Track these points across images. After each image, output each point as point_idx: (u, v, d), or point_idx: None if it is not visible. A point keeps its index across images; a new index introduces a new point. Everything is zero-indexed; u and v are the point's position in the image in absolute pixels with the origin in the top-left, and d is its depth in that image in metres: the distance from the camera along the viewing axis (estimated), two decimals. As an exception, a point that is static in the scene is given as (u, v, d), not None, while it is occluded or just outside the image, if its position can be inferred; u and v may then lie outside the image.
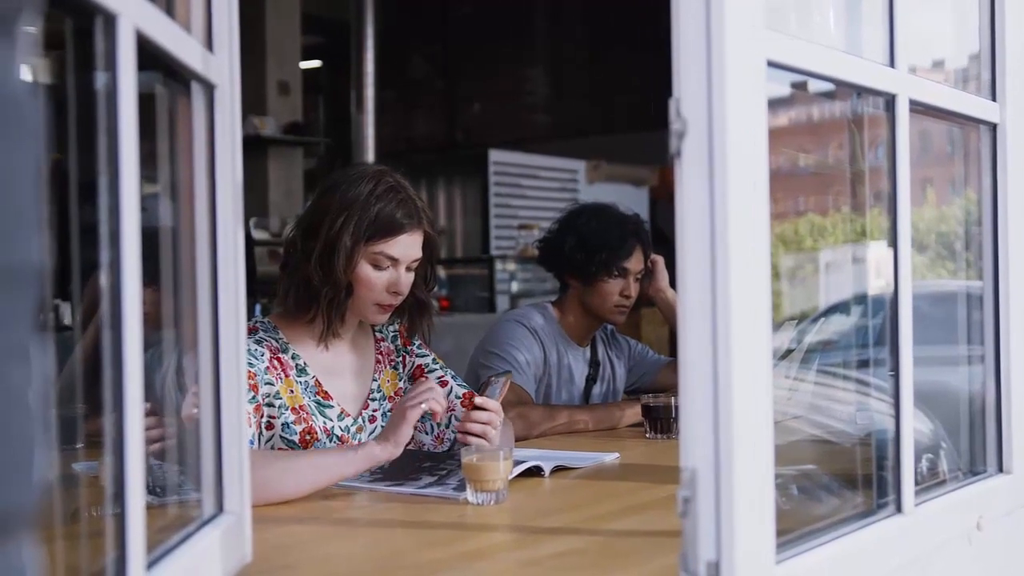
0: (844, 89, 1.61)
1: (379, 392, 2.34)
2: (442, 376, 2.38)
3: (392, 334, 2.41)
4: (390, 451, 1.96)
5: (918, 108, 1.57)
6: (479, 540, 1.67)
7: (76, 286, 1.10)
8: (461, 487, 1.90)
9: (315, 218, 2.19)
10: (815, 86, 1.56)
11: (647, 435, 2.65)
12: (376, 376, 2.34)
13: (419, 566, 1.51)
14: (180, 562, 1.16)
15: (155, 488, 1.37)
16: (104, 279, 1.01)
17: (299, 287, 2.20)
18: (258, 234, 6.86)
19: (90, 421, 1.23)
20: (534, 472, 2.09)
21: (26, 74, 0.58)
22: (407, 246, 2.20)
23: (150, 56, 1.10)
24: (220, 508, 1.36)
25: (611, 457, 2.33)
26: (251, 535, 1.43)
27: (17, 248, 0.56)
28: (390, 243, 2.18)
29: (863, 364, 1.94)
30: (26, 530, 0.57)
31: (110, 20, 0.99)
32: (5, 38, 0.56)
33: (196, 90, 1.33)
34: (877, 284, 1.90)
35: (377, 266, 2.18)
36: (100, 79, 1.00)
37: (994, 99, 1.79)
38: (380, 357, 2.37)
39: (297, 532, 1.73)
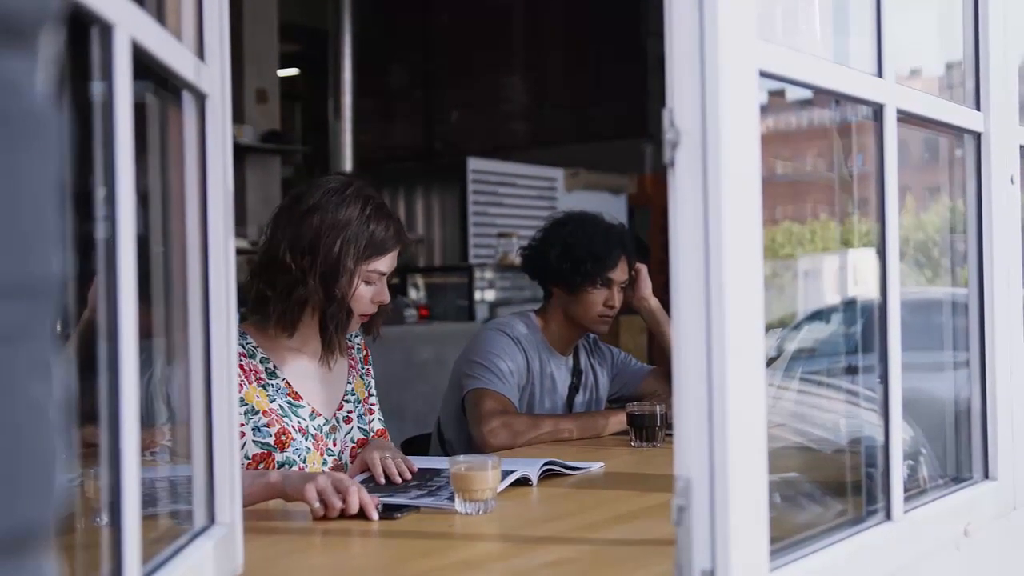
0: (823, 97, 1.62)
1: (353, 395, 2.40)
2: (374, 404, 2.47)
3: (357, 345, 2.48)
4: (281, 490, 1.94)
5: (904, 117, 1.58)
6: (470, 550, 1.67)
7: (71, 296, 1.09)
8: (454, 499, 1.89)
9: (304, 239, 2.21)
10: (791, 94, 1.57)
11: (632, 443, 2.65)
12: (350, 380, 2.40)
13: (411, 576, 1.51)
14: (174, 574, 1.16)
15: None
16: (98, 289, 1.00)
17: (296, 307, 2.23)
18: (236, 243, 6.82)
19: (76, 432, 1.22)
20: (521, 481, 2.09)
21: (46, 87, 0.58)
22: (393, 260, 2.30)
23: (142, 65, 1.10)
24: (212, 519, 1.35)
25: (597, 467, 2.34)
26: (242, 546, 1.42)
27: (39, 261, 0.56)
28: (382, 260, 2.26)
29: (846, 371, 1.95)
30: (48, 543, 0.57)
31: (106, 30, 0.98)
32: (26, 52, 0.56)
33: (187, 99, 1.32)
34: (857, 291, 1.91)
35: (368, 282, 2.26)
36: (96, 88, 1.00)
37: (978, 108, 1.81)
38: (352, 363, 2.43)
39: (287, 543, 1.73)
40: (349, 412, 2.37)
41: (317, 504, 1.81)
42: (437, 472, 2.18)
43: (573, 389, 3.11)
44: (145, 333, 1.30)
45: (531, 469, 2.13)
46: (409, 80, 10.46)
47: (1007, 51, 1.83)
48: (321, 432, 2.28)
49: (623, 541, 1.69)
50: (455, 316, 7.23)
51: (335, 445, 2.31)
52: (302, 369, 2.31)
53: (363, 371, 2.46)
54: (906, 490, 1.56)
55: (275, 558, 1.61)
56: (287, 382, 2.26)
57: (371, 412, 2.45)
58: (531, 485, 2.10)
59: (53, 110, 0.58)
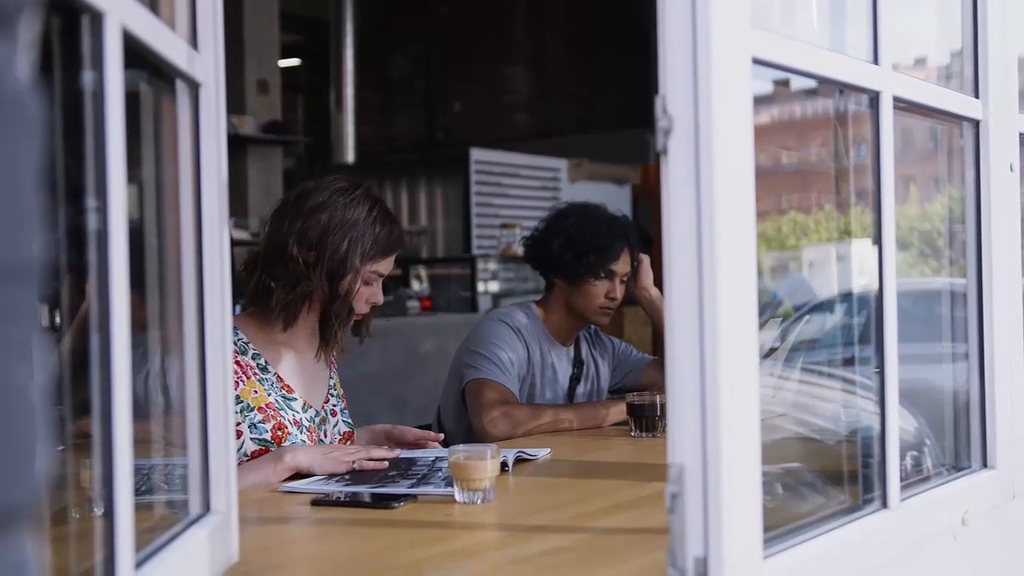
0: (826, 87, 1.62)
1: (335, 390, 2.44)
2: (343, 406, 2.48)
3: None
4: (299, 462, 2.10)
5: (902, 105, 1.57)
6: (467, 539, 1.67)
7: (63, 288, 1.09)
8: (450, 482, 1.89)
9: (311, 235, 2.23)
10: (796, 84, 1.57)
11: (632, 433, 2.65)
12: (332, 375, 2.45)
13: (407, 565, 1.51)
14: (168, 561, 1.16)
15: (138, 487, 1.36)
16: (90, 280, 1.00)
17: (299, 300, 2.25)
18: (237, 234, 6.83)
19: (72, 423, 1.22)
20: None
21: (26, 72, 0.58)
22: (391, 263, 2.34)
23: (134, 54, 1.09)
24: (207, 508, 1.36)
25: (544, 452, 2.35)
26: (237, 534, 1.42)
27: (21, 244, 0.56)
28: (383, 263, 2.30)
29: (847, 362, 1.95)
30: (28, 525, 0.57)
31: (97, 18, 0.98)
32: (5, 37, 0.56)
33: (181, 89, 1.32)
34: (860, 282, 1.91)
35: (367, 283, 2.29)
36: (86, 78, 1.00)
37: (976, 96, 1.80)
38: (332, 360, 2.46)
39: (283, 532, 1.73)
40: (334, 406, 2.42)
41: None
42: (413, 461, 2.19)
43: (574, 380, 3.11)
44: (140, 324, 1.31)
45: (508, 456, 2.15)
46: (411, 71, 10.46)
47: (1006, 38, 1.83)
48: (313, 424, 2.32)
49: (619, 530, 1.69)
50: (458, 307, 7.24)
51: (326, 436, 2.34)
52: (291, 363, 2.34)
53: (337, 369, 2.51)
54: (907, 480, 1.56)
55: (270, 547, 1.61)
56: (278, 376, 2.29)
57: (334, 415, 2.46)
58: (507, 471, 2.11)
59: (33, 95, 0.58)
